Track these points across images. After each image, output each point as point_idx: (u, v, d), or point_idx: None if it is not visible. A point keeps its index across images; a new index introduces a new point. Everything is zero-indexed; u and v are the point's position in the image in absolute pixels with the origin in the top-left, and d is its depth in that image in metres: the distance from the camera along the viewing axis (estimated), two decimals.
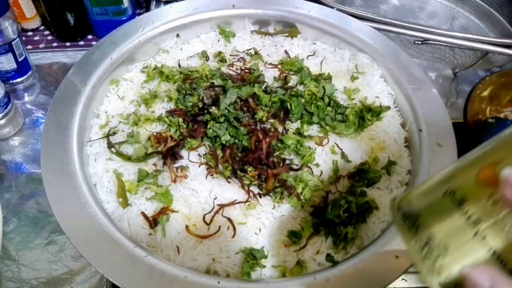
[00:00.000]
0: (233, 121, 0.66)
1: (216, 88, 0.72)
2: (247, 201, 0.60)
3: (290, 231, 0.58)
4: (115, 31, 0.78)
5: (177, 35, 0.83)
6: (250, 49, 0.82)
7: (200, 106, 0.69)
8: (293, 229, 0.58)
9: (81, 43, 1.04)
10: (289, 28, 0.86)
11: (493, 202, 0.28)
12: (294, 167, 0.63)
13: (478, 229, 0.28)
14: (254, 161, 0.62)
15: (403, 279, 0.69)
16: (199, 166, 0.63)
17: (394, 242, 0.53)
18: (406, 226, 0.33)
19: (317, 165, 0.64)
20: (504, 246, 0.27)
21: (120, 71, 0.76)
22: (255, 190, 0.61)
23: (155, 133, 0.66)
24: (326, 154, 0.66)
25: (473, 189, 0.30)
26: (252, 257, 0.55)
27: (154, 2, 1.06)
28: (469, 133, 0.81)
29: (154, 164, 0.64)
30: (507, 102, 0.87)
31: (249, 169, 0.62)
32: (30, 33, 1.05)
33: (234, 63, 0.79)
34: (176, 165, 0.63)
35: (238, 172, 0.62)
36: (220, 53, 0.81)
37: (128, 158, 0.64)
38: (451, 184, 0.32)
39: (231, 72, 0.76)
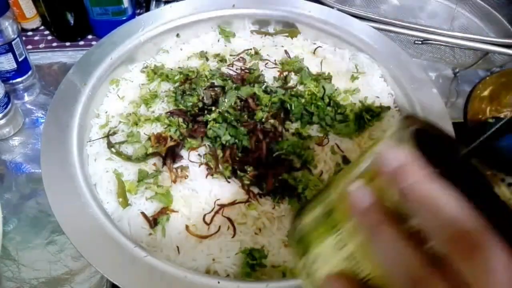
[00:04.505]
0: (233, 121, 0.66)
1: (216, 88, 0.72)
2: (247, 201, 0.60)
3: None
4: (115, 31, 0.78)
5: (177, 35, 0.83)
6: (250, 49, 0.82)
7: (200, 106, 0.69)
8: None
9: (81, 43, 1.04)
10: (289, 28, 0.86)
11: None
12: (294, 167, 0.63)
13: (340, 238, 0.28)
14: (254, 161, 0.62)
15: None
16: (199, 166, 0.63)
17: None
18: (295, 239, 0.32)
19: (317, 165, 0.64)
20: (356, 254, 0.27)
21: (120, 71, 0.76)
22: (255, 190, 0.61)
23: (155, 133, 0.66)
24: (326, 154, 0.66)
25: (339, 199, 0.30)
26: (252, 257, 0.55)
27: (154, 2, 1.05)
28: (469, 133, 0.81)
29: (154, 164, 0.64)
30: (507, 102, 0.87)
31: (249, 169, 0.62)
32: (30, 33, 1.05)
33: (234, 63, 0.79)
34: (176, 165, 0.63)
35: (238, 172, 0.62)
36: (220, 53, 0.81)
37: (128, 158, 0.64)
38: (330, 191, 0.31)
39: (231, 72, 0.76)
